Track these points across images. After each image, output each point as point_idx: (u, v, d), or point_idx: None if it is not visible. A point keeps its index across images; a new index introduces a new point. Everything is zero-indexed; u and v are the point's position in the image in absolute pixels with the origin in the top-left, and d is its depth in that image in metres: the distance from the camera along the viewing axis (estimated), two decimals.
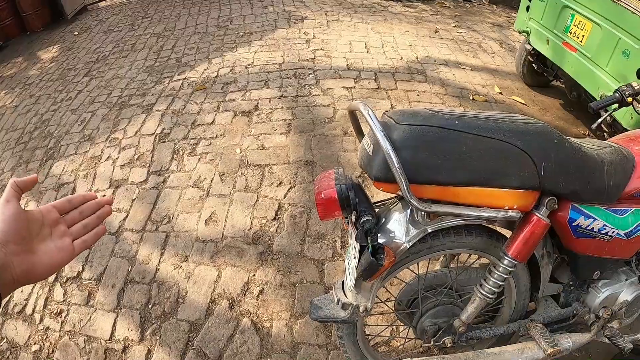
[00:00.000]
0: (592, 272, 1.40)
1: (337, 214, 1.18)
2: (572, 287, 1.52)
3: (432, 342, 1.55)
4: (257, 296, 2.20)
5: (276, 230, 2.50)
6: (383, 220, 1.28)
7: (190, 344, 2.05)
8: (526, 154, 1.10)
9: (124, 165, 3.09)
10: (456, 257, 1.73)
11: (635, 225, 1.30)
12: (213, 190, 2.78)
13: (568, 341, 1.43)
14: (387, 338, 1.99)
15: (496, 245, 1.35)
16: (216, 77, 4.10)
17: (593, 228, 1.25)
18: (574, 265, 1.40)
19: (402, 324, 1.79)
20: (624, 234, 1.29)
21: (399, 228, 1.23)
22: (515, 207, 1.16)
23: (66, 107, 4.06)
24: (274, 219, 2.57)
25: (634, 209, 1.30)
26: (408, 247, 1.22)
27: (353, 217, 1.20)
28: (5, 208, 0.63)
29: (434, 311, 1.55)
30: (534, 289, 1.52)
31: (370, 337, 1.82)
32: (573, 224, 1.25)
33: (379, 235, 1.22)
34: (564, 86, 3.75)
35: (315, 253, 2.37)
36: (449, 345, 1.51)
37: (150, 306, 2.22)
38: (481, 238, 1.35)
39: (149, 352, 2.04)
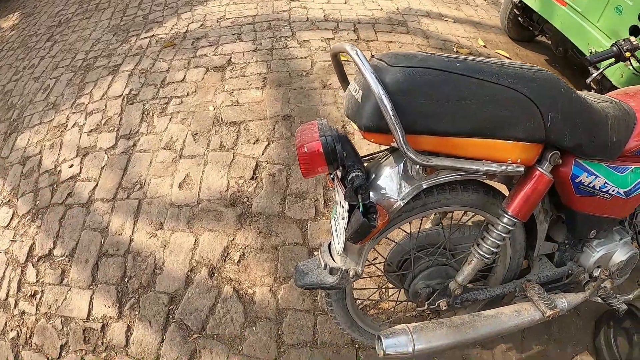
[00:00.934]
0: (589, 231, 1.31)
1: (322, 170, 1.02)
2: (567, 246, 1.42)
3: (426, 305, 1.39)
4: (238, 261, 1.98)
5: (255, 190, 2.26)
6: (373, 176, 1.10)
7: (170, 316, 1.84)
8: (532, 102, 0.98)
9: (91, 131, 2.78)
10: (448, 215, 1.58)
11: (634, 184, 1.21)
12: (186, 151, 2.51)
13: (563, 301, 1.34)
14: (376, 301, 1.81)
15: (493, 202, 1.22)
16: (186, 32, 3.71)
17: (594, 185, 1.16)
18: (572, 223, 1.30)
19: (392, 286, 1.61)
20: (624, 192, 1.20)
21: (391, 184, 1.07)
22: (518, 160, 1.03)
23: (29, 75, 3.66)
24: (252, 178, 2.32)
25: (633, 167, 1.21)
26: (402, 205, 1.06)
27: (339, 173, 1.06)
28: None
29: (427, 272, 1.39)
30: (529, 247, 1.40)
31: (359, 302, 1.64)
32: (575, 180, 1.15)
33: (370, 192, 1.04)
34: (549, 41, 3.50)
35: (296, 213, 2.14)
36: (444, 308, 1.37)
37: (126, 280, 1.99)
38: (477, 194, 1.20)
39: (129, 328, 1.84)
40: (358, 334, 1.50)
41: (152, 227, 2.16)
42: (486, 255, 1.22)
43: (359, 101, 0.97)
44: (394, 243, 1.43)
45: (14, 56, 4.09)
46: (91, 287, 2.00)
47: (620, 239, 1.39)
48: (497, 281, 1.49)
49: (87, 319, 1.90)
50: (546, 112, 0.99)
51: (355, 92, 1.00)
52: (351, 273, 1.17)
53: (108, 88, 3.14)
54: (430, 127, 0.95)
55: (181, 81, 3.08)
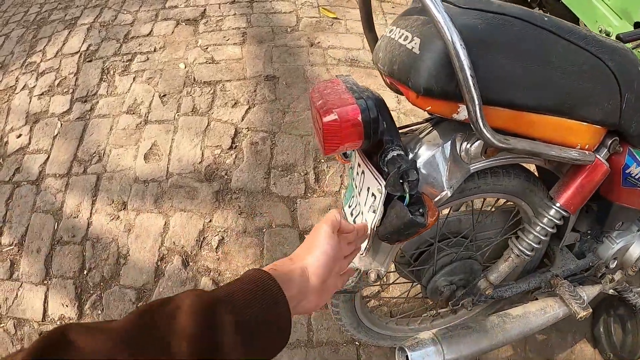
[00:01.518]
0: (618, 222, 1.17)
1: (354, 146, 0.72)
2: (589, 237, 1.28)
3: (449, 306, 1.14)
4: (217, 248, 1.65)
5: (234, 162, 1.89)
6: (410, 155, 0.81)
7: None
8: (615, 78, 0.78)
9: (42, 94, 2.33)
10: (475, 202, 1.32)
11: None
12: (152, 115, 2.10)
13: (583, 295, 1.20)
14: (387, 299, 1.53)
15: (532, 189, 1.01)
16: None
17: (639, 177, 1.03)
18: (604, 214, 1.14)
19: (401, 280, 1.31)
20: None
21: (435, 168, 0.79)
22: (586, 147, 0.84)
23: None
24: (231, 147, 1.94)
25: None
26: (449, 195, 0.80)
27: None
28: (330, 239, 0.54)
29: (450, 267, 1.11)
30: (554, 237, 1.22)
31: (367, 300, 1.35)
32: (626, 171, 1.00)
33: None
34: None
35: (283, 189, 1.79)
36: (469, 308, 1.14)
37: (85, 272, 1.65)
38: (519, 180, 0.98)
39: None
40: (364, 334, 1.25)
41: (113, 208, 1.79)
42: (526, 251, 1.01)
43: (415, 52, 0.69)
44: None
45: None
46: (45, 282, 1.65)
47: (638, 230, 1.27)
48: (514, 274, 1.26)
49: (42, 321, 1.57)
50: (624, 92, 0.81)
51: (405, 39, 0.71)
52: (372, 275, 0.93)
53: (63, 44, 2.67)
54: (508, 96, 0.70)
55: (147, 35, 2.62)
